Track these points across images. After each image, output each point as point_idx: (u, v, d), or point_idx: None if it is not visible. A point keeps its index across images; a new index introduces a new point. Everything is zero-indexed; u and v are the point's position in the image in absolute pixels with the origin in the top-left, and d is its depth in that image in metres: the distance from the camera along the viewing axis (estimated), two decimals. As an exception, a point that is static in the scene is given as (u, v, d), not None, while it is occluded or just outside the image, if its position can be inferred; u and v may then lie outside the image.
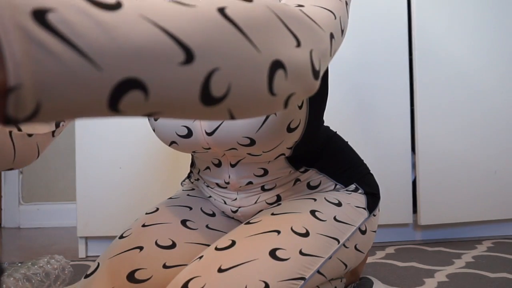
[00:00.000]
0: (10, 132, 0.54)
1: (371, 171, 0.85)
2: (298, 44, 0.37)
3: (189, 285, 0.56)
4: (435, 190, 1.49)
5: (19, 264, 1.03)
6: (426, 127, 1.49)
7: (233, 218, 0.83)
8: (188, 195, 0.86)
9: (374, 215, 0.79)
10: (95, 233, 1.41)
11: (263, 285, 0.56)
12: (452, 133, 1.50)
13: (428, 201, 1.49)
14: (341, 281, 0.79)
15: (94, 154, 1.40)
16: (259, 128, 0.64)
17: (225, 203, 0.80)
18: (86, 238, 1.45)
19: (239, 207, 0.78)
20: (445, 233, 1.56)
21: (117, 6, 0.25)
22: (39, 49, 0.22)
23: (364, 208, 0.76)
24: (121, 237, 0.74)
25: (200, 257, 0.62)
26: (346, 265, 0.72)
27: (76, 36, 0.23)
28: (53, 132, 0.63)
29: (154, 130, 0.74)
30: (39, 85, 0.22)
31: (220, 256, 0.61)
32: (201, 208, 0.82)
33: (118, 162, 1.41)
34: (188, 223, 0.77)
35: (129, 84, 0.25)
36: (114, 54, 0.24)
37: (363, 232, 0.74)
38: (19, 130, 0.56)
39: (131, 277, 0.65)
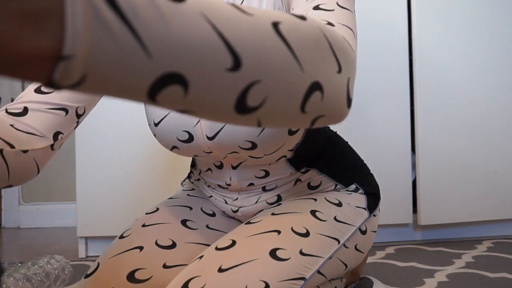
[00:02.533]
0: (1, 150, 0.53)
1: (371, 171, 0.85)
2: (340, 70, 0.37)
3: (189, 285, 0.56)
4: (435, 190, 1.49)
5: (19, 264, 1.03)
6: (426, 127, 1.49)
7: (233, 218, 0.83)
8: (188, 195, 0.86)
9: (375, 215, 0.79)
10: (95, 233, 1.41)
11: (263, 285, 0.56)
12: (452, 133, 1.50)
13: (428, 201, 1.49)
14: (341, 281, 0.79)
15: (94, 154, 1.39)
16: (261, 132, 0.64)
17: (226, 202, 0.80)
18: (86, 238, 1.45)
19: (240, 207, 0.78)
20: (445, 233, 1.56)
21: None
22: (100, 25, 0.23)
23: (365, 208, 0.76)
24: (121, 237, 0.74)
25: (200, 257, 0.62)
26: (346, 265, 0.71)
27: (137, 20, 0.24)
28: (52, 145, 0.62)
29: (155, 135, 0.73)
30: (91, 59, 0.23)
31: (221, 256, 0.61)
32: (201, 208, 0.82)
33: (118, 162, 1.41)
34: (188, 223, 0.77)
35: (173, 78, 0.25)
36: (167, 46, 0.25)
37: (363, 232, 0.74)
38: (12, 147, 0.55)
39: (131, 277, 0.65)
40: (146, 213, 0.80)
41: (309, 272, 0.62)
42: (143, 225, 0.75)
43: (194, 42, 0.25)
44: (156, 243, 0.71)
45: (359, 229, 0.73)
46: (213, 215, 0.82)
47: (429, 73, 1.48)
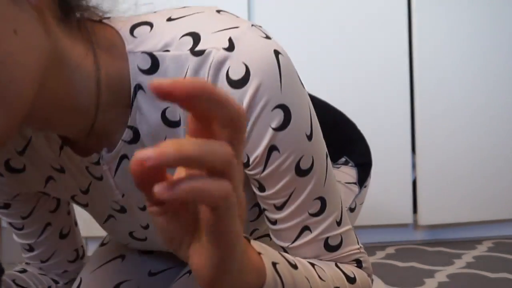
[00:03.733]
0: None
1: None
2: None
3: None
4: (435, 190, 1.49)
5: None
6: (426, 127, 1.48)
7: None
8: None
9: (365, 186, 0.75)
10: (95, 233, 1.41)
11: None
12: (452, 133, 1.50)
13: (428, 201, 1.48)
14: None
15: (94, 154, 1.39)
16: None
17: None
18: (86, 238, 1.45)
19: None
20: (445, 233, 1.56)
21: (296, 267, 0.41)
22: (274, 283, 0.36)
23: (355, 183, 0.73)
24: (102, 244, 0.72)
25: (189, 272, 0.58)
26: None
27: (286, 280, 0.38)
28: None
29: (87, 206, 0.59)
30: None
31: None
32: None
33: (118, 162, 1.40)
34: None
35: None
36: None
37: (352, 210, 0.72)
38: (57, 283, 0.68)
39: None
40: None
41: None
42: None
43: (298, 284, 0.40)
44: (138, 249, 0.67)
45: (349, 208, 0.71)
46: None
47: (429, 73, 1.48)
